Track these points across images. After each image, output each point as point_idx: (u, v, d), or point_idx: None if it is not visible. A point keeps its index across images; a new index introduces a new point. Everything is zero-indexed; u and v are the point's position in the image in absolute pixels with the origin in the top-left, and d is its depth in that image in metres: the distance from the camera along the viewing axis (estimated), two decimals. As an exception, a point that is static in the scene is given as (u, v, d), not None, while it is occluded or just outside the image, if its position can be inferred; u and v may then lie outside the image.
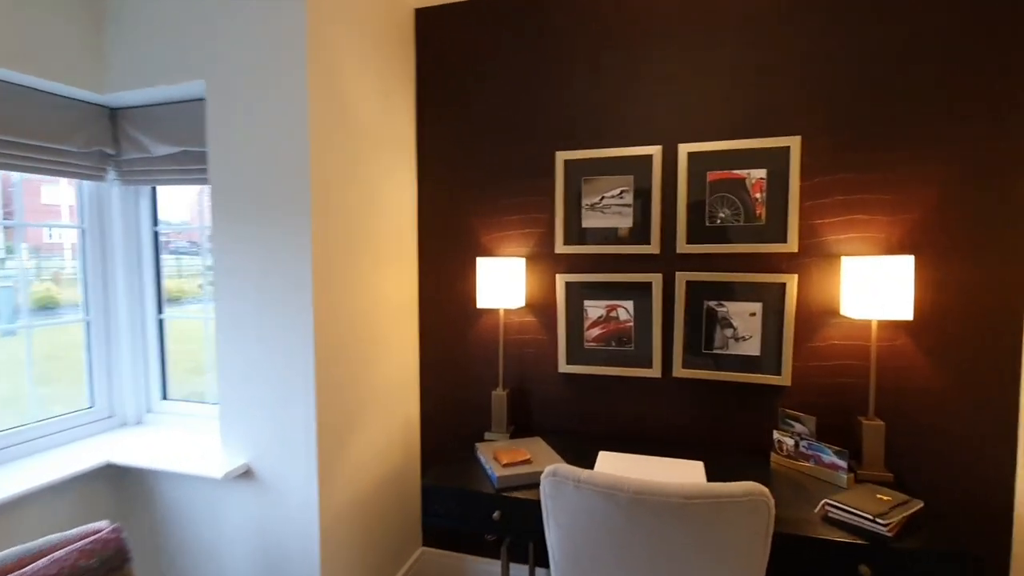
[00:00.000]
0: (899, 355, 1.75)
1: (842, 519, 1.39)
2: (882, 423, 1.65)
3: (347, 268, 1.79)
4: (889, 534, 1.31)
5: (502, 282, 1.93)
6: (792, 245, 1.79)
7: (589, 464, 1.74)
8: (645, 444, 1.93)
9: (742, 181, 1.83)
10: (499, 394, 2.00)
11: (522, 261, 2.00)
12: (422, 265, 2.24)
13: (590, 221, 1.98)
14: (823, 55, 1.76)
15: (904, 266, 1.57)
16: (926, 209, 1.71)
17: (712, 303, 1.88)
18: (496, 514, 1.56)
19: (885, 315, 1.58)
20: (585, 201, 1.98)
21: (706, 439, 1.94)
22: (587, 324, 2.01)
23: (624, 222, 1.94)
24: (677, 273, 1.90)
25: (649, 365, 1.95)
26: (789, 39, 1.79)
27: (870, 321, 1.74)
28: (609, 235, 1.96)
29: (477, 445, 1.84)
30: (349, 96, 1.79)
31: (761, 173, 1.81)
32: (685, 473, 1.63)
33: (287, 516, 1.69)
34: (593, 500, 1.26)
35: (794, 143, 1.77)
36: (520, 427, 2.13)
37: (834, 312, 1.79)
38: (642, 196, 1.92)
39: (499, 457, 1.68)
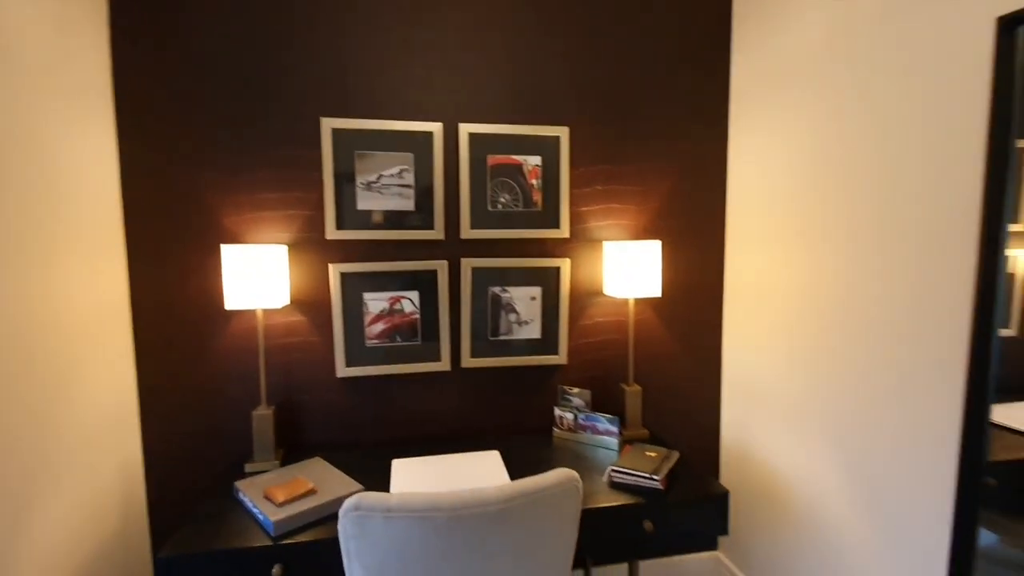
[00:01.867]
0: (649, 327, 2.02)
1: (625, 482, 1.53)
2: (639, 388, 1.89)
3: (-2, 264, 1.17)
4: (662, 487, 1.49)
5: (259, 276, 1.54)
6: (564, 231, 1.89)
7: (384, 477, 1.54)
8: (439, 443, 1.82)
9: (520, 167, 1.84)
10: (262, 414, 1.62)
11: (284, 249, 1.64)
12: (134, 257, 1.65)
13: (367, 202, 1.73)
14: (587, 53, 1.88)
15: (653, 249, 1.80)
16: (662, 199, 1.99)
17: (497, 289, 1.86)
18: (276, 569, 1.24)
19: (640, 293, 1.79)
20: (360, 179, 1.72)
21: (498, 426, 1.94)
22: (368, 320, 1.77)
23: (406, 204, 1.76)
24: (463, 260, 1.81)
25: (438, 358, 1.84)
26: (554, 35, 1.85)
27: (628, 299, 1.96)
28: (390, 219, 1.76)
29: (238, 484, 1.44)
30: (-18, -3, 1.15)
31: (537, 160, 1.85)
32: (484, 466, 1.58)
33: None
34: (408, 528, 1.08)
35: (563, 133, 1.86)
36: (292, 449, 1.78)
37: (599, 292, 1.97)
38: (424, 177, 1.77)
39: (273, 495, 1.34)
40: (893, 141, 1.33)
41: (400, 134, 1.73)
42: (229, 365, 1.72)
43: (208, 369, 1.71)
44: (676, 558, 2.11)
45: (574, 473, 1.20)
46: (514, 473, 1.55)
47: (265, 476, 1.48)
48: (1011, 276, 1.12)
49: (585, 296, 1.96)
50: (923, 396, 1.27)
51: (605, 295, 1.97)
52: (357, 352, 1.77)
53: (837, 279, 1.52)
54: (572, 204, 1.91)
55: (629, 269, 1.78)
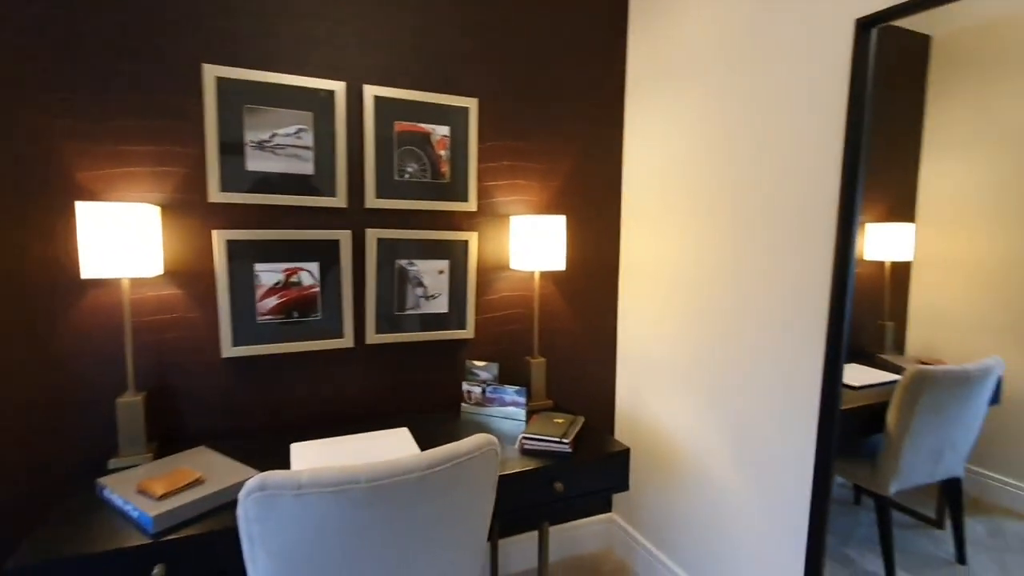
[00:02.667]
0: (552, 301, 2.08)
1: (536, 447, 1.56)
2: (543, 360, 1.94)
3: None
4: (570, 450, 1.55)
5: (124, 240, 1.33)
6: (472, 205, 1.87)
7: (282, 463, 1.42)
8: (343, 424, 1.72)
9: (428, 136, 1.79)
10: (129, 401, 1.40)
11: (155, 210, 1.42)
12: (-54, 215, 1.33)
13: (259, 163, 1.57)
14: (498, 28, 1.87)
15: (558, 224, 1.85)
16: (564, 178, 2.06)
17: (404, 262, 1.80)
18: (158, 570, 1.08)
19: (545, 267, 1.83)
20: (251, 137, 1.55)
21: (405, 404, 1.88)
22: (260, 294, 1.61)
23: (304, 167, 1.63)
24: (368, 230, 1.72)
25: (340, 335, 1.73)
26: (468, 5, 1.82)
27: (533, 273, 1.99)
28: (286, 182, 1.61)
29: (101, 481, 1.24)
30: None
31: (445, 130, 1.81)
32: (394, 443, 1.53)
33: None
34: (321, 505, 1.01)
35: (472, 104, 1.83)
36: (169, 440, 1.57)
37: (505, 267, 1.98)
38: (325, 139, 1.64)
39: (150, 488, 1.17)
40: (768, 131, 1.50)
41: (297, 90, 1.59)
42: (86, 344, 1.46)
43: (58, 351, 1.44)
44: (573, 523, 2.21)
45: (492, 437, 1.19)
46: (425, 448, 1.52)
47: (137, 470, 1.29)
48: (883, 265, 1.33)
49: (492, 270, 1.96)
50: (792, 360, 1.46)
51: (511, 269, 1.99)
52: (246, 329, 1.61)
53: (720, 256, 1.68)
54: (480, 178, 1.90)
55: (535, 243, 1.82)
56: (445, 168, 1.82)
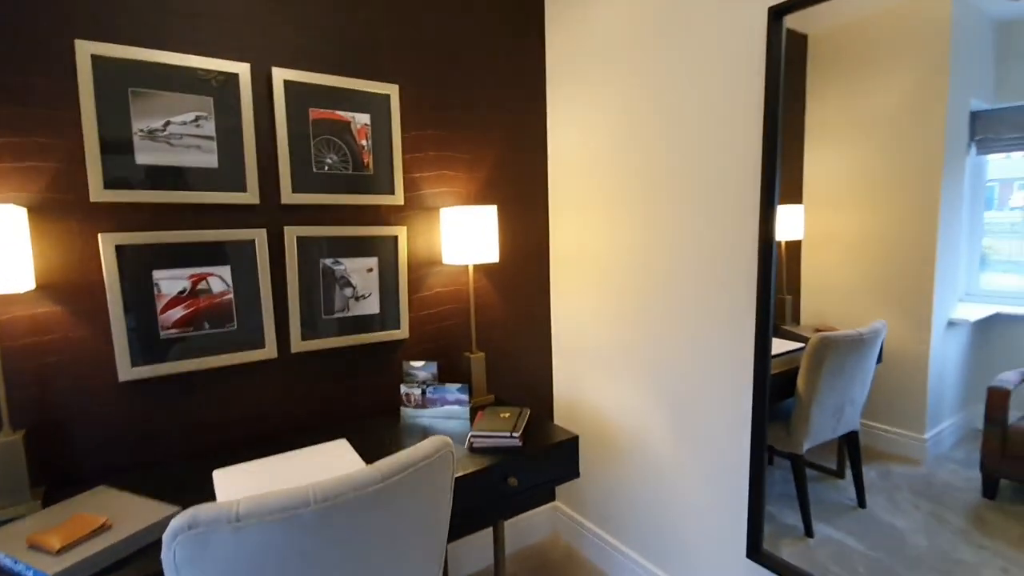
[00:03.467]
0: (486, 294, 2.03)
1: (486, 444, 1.52)
2: (482, 354, 1.89)
3: None
4: (520, 443, 1.52)
5: (-18, 251, 1.10)
6: (399, 198, 1.78)
7: (204, 495, 1.26)
8: (274, 443, 1.56)
9: (347, 125, 1.66)
10: (3, 442, 1.17)
11: (21, 212, 1.19)
12: None
13: (151, 155, 1.37)
14: (416, 12, 1.77)
15: (490, 214, 1.81)
16: (491, 168, 2.01)
17: (328, 261, 1.66)
18: (61, 639, 0.91)
19: (479, 259, 1.79)
20: (139, 125, 1.35)
21: (342, 414, 1.75)
22: (162, 305, 1.42)
23: (206, 160, 1.44)
24: (286, 228, 1.57)
25: (261, 345, 1.56)
26: (379, -21, 1.71)
27: (467, 266, 1.93)
28: (186, 177, 1.42)
29: (-28, 543, 1.02)
30: None
31: (365, 119, 1.69)
32: (334, 457, 1.41)
33: None
34: (265, 536, 0.89)
35: (393, 91, 1.73)
36: (59, 483, 1.33)
37: (437, 261, 1.91)
38: (230, 128, 1.47)
39: (44, 542, 0.98)
40: (689, 117, 1.55)
41: (194, 72, 1.40)
42: (-65, 382, 1.19)
43: None
44: (519, 516, 2.20)
45: (447, 439, 1.13)
46: (369, 460, 1.41)
47: (23, 522, 1.07)
48: (779, 244, 1.42)
49: (424, 266, 1.88)
50: (724, 336, 1.53)
51: (444, 264, 1.92)
52: (148, 347, 1.40)
53: (649, 240, 1.73)
54: (406, 170, 1.81)
55: (468, 236, 1.76)
56: (368, 159, 1.71)
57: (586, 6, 1.88)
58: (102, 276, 1.34)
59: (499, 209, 2.04)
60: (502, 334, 2.09)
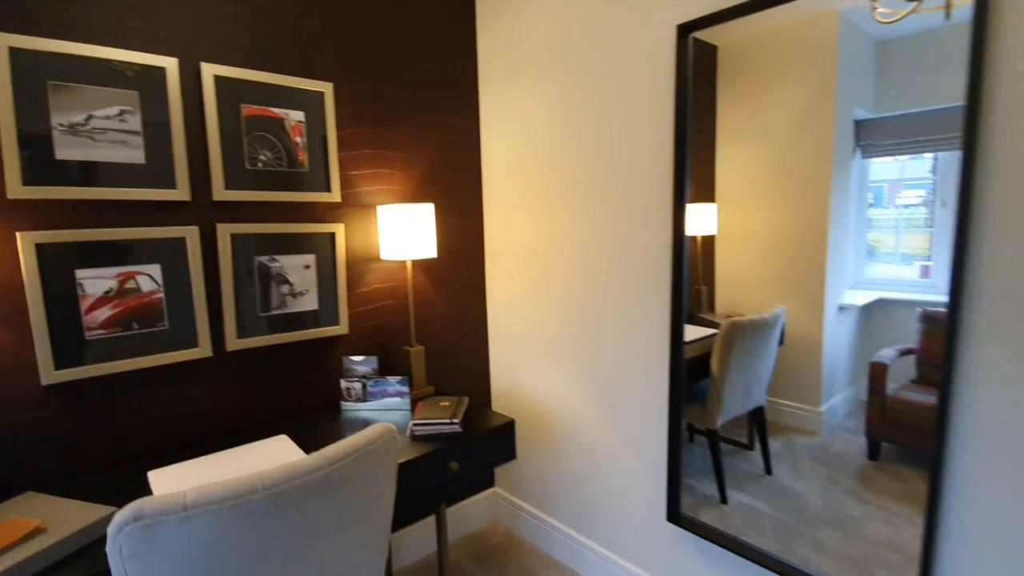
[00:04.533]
0: (424, 290, 2.09)
1: (427, 432, 1.58)
2: (422, 348, 1.95)
3: None
4: (460, 429, 1.60)
5: None
6: (335, 195, 1.80)
7: (140, 495, 1.24)
8: (213, 443, 1.54)
9: (281, 122, 1.66)
10: (-90, 454, 1.11)
11: (-74, 212, 1.13)
12: None
13: (72, 150, 1.32)
14: (351, 11, 1.79)
15: (427, 212, 1.87)
16: (427, 167, 2.07)
17: (264, 259, 1.66)
18: (-4, 644, 0.89)
19: (417, 255, 1.84)
20: (59, 119, 1.30)
21: (282, 411, 1.75)
22: (87, 305, 1.37)
23: (133, 155, 1.41)
24: (219, 225, 1.56)
25: (195, 344, 1.54)
26: (311, -23, 1.72)
27: (405, 262, 1.98)
28: (111, 173, 1.38)
29: None
30: None
31: (300, 116, 1.70)
32: (277, 452, 1.43)
33: None
34: (214, 525, 0.92)
35: (328, 89, 1.75)
36: (-32, 495, 1.26)
37: (375, 258, 1.94)
38: (157, 123, 1.44)
39: (-33, 552, 0.95)
40: (611, 122, 1.68)
41: (118, 66, 1.37)
42: None
43: None
44: (459, 504, 2.28)
45: (390, 425, 1.19)
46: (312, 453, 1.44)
47: (-61, 534, 1.03)
48: (695, 239, 1.57)
49: (362, 262, 1.91)
50: (643, 324, 1.68)
51: (382, 260, 1.95)
52: (72, 349, 1.36)
53: (577, 236, 1.85)
54: (342, 167, 1.83)
55: (405, 233, 1.81)
56: (303, 156, 1.72)
57: (513, 16, 1.97)
58: (21, 277, 1.28)
59: (436, 207, 2.10)
60: (440, 327, 2.15)
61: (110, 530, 0.86)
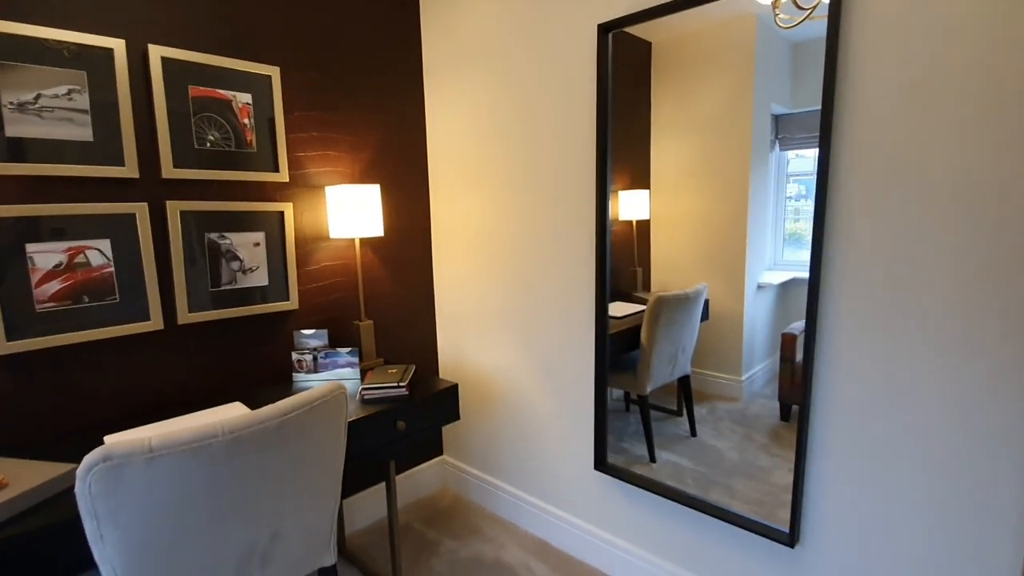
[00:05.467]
0: (373, 267, 2.20)
1: (376, 395, 1.71)
2: (371, 322, 2.07)
3: None
4: (407, 392, 1.73)
5: None
6: (283, 175, 1.87)
7: (100, 453, 1.31)
8: (164, 414, 1.61)
9: (229, 103, 1.73)
10: None
11: None
12: None
13: (21, 127, 1.35)
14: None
15: (373, 193, 1.97)
16: (374, 151, 2.17)
17: (214, 235, 1.73)
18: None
19: (364, 234, 1.95)
20: (9, 98, 1.33)
21: (234, 382, 1.83)
22: (37, 278, 1.41)
23: (81, 133, 1.45)
24: (168, 202, 1.61)
25: (147, 317, 1.60)
26: (256, -36, 1.78)
27: (354, 241, 2.08)
28: (59, 150, 1.42)
29: None
30: None
31: (247, 98, 1.77)
32: (230, 414, 1.51)
33: None
34: (178, 466, 1.02)
35: (275, 73, 1.82)
36: (-81, 461, 1.30)
37: (325, 237, 2.03)
38: (105, 102, 1.48)
39: (-66, 501, 1.01)
40: (544, 113, 1.84)
41: (64, 47, 1.40)
42: None
43: None
44: (410, 471, 2.41)
45: (340, 383, 1.32)
46: (265, 413, 1.54)
47: (-101, 491, 1.08)
48: (631, 223, 1.70)
49: (311, 241, 1.99)
50: (575, 299, 1.86)
51: (331, 239, 2.05)
52: (23, 321, 1.40)
53: (514, 219, 2.01)
54: (290, 149, 1.90)
55: (353, 212, 1.91)
56: (251, 137, 1.79)
57: (455, 8, 2.09)
58: (-31, 249, 1.32)
59: (383, 188, 2.20)
60: (390, 304, 2.27)
61: (79, 471, 0.95)
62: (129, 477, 0.98)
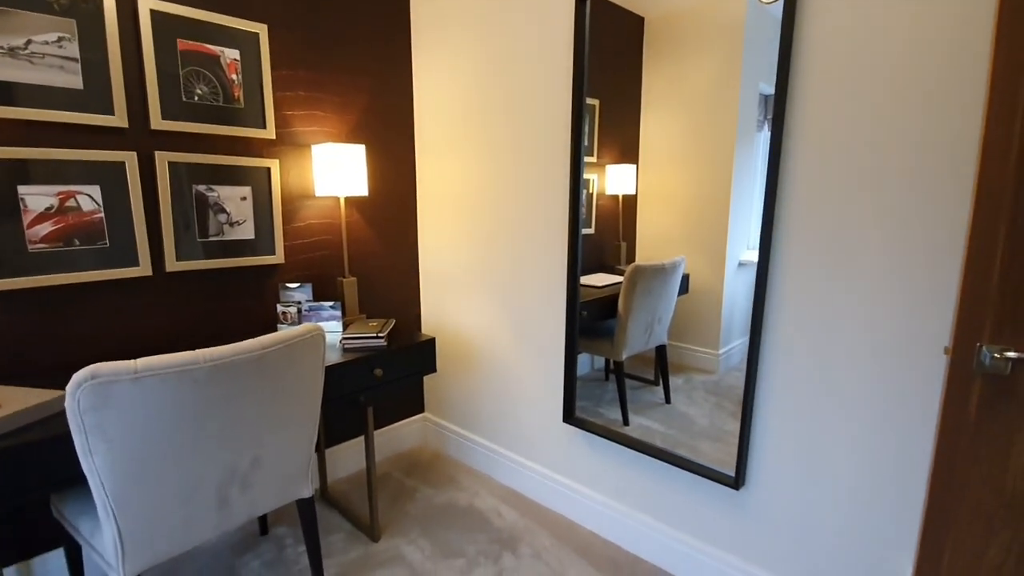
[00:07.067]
0: (358, 227, 2.26)
1: (355, 345, 1.79)
2: (355, 278, 2.14)
3: None
4: (385, 343, 1.81)
5: None
6: (271, 132, 1.93)
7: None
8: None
9: (217, 58, 1.77)
10: None
11: None
12: None
13: (10, 71, 1.40)
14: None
15: (358, 152, 2.02)
16: (361, 112, 2.22)
17: (202, 187, 1.79)
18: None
19: (349, 193, 2.01)
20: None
21: (219, 331, 1.90)
22: (28, 220, 1.48)
23: (71, 80, 1.50)
24: (157, 152, 1.67)
25: (135, 263, 1.67)
26: (245, -80, 1.81)
27: (339, 199, 2.14)
28: (49, 96, 1.47)
29: None
30: None
31: (235, 54, 1.81)
32: (215, 357, 1.60)
33: None
34: (162, 387, 1.11)
35: (262, 31, 1.86)
36: (-81, 387, 1.37)
37: (311, 195, 2.09)
38: (95, 52, 1.53)
39: (-65, 414, 1.09)
40: (524, 80, 1.89)
41: (53, -6, 1.45)
42: None
43: None
44: (391, 426, 2.51)
45: (320, 326, 1.40)
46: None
47: (-99, 407, 1.16)
48: (590, 195, 1.76)
49: (298, 199, 2.05)
50: (548, 266, 1.93)
51: (317, 197, 2.11)
52: (14, 260, 1.46)
53: (497, 185, 2.07)
54: (277, 107, 1.95)
55: (338, 171, 1.97)
56: (238, 93, 1.83)
57: (444, -30, 2.12)
58: (-37, 187, 1.38)
59: (368, 148, 2.25)
60: (374, 262, 2.34)
61: (69, 387, 1.03)
62: (116, 394, 1.06)
